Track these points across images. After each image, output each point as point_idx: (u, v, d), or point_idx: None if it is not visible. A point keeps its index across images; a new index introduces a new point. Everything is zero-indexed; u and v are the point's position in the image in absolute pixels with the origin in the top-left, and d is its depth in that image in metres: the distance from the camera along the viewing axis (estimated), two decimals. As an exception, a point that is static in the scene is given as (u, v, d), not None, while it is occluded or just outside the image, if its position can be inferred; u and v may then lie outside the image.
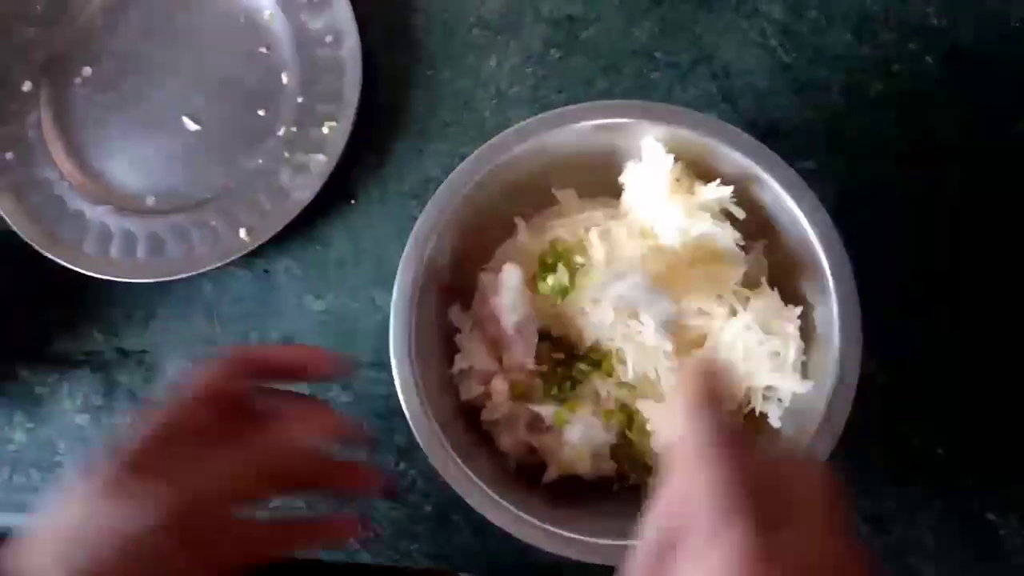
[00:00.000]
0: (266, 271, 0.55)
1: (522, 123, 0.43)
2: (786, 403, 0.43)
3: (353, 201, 0.55)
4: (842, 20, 0.53)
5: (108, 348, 0.56)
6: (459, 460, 0.41)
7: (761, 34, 0.53)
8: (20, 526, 0.51)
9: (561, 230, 0.46)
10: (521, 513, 0.40)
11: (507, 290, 0.43)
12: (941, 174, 0.50)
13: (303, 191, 0.53)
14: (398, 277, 0.43)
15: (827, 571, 0.27)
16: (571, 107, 0.44)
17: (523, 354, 0.44)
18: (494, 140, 0.43)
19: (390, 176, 0.55)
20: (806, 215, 0.41)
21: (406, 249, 0.43)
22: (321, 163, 0.54)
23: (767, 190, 0.42)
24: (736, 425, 0.30)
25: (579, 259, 0.44)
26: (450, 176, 0.43)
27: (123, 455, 0.35)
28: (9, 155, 0.57)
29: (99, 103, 0.59)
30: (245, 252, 0.53)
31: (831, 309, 0.41)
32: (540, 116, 0.43)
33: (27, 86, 0.59)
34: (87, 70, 0.59)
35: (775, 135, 0.52)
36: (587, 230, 0.44)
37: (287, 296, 0.55)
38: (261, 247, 0.53)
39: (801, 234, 0.42)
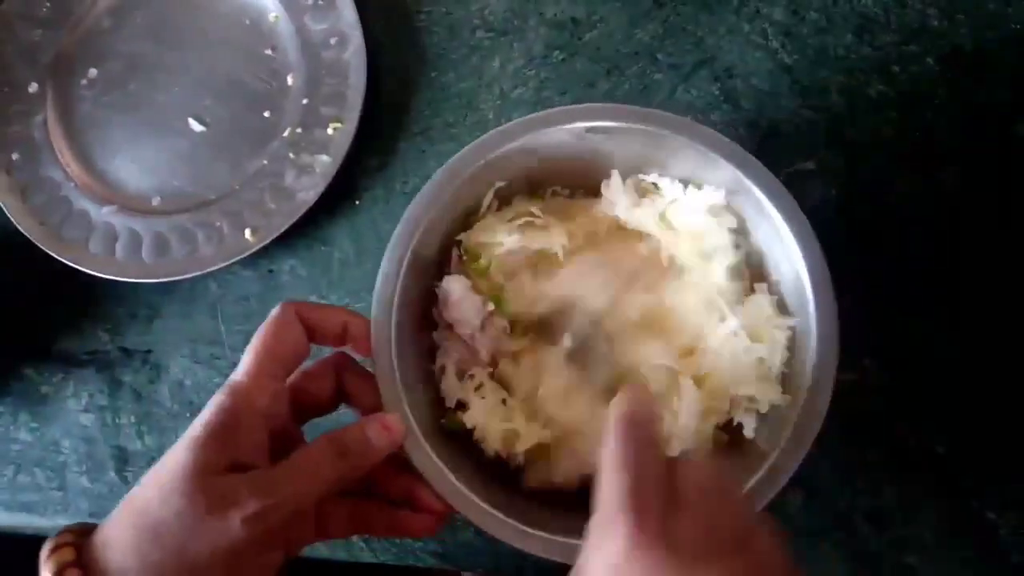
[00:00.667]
0: (271, 271, 0.56)
1: (508, 124, 0.43)
2: (763, 413, 0.42)
3: (357, 202, 0.55)
4: (843, 22, 0.53)
5: (113, 348, 0.56)
6: (434, 455, 0.40)
7: (762, 36, 0.54)
8: (25, 526, 0.52)
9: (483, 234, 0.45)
10: (496, 512, 0.39)
11: (452, 302, 0.44)
12: (941, 175, 0.51)
13: (308, 192, 0.54)
14: (380, 273, 0.42)
15: (720, 544, 0.30)
16: (559, 108, 0.43)
17: (487, 352, 0.44)
18: (482, 139, 0.43)
19: (394, 177, 0.55)
20: (787, 222, 0.41)
21: (391, 241, 0.42)
22: (326, 164, 0.54)
23: (750, 199, 0.42)
24: (649, 434, 0.33)
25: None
26: (437, 172, 0.43)
27: (206, 452, 0.35)
28: (15, 155, 0.58)
29: (105, 104, 0.59)
30: (250, 252, 0.53)
31: (809, 321, 0.40)
32: (528, 117, 0.43)
33: (33, 87, 0.59)
34: (93, 71, 0.59)
35: (776, 136, 0.52)
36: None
37: (291, 296, 0.55)
38: (266, 247, 0.53)
39: (781, 243, 0.41)
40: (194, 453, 0.35)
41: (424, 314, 0.46)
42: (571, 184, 0.48)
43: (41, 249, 0.55)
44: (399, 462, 0.40)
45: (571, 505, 0.43)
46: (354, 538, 0.52)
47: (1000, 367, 0.48)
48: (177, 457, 0.35)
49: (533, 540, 0.39)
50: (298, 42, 0.57)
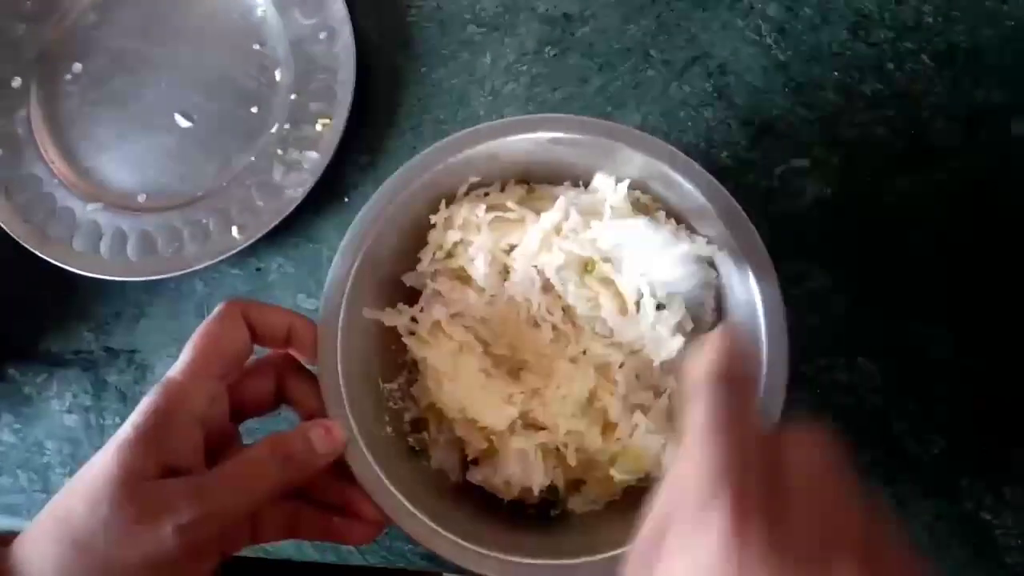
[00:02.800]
0: (258, 269, 0.55)
1: (472, 128, 0.42)
2: None
3: (346, 199, 0.55)
4: (838, 19, 0.53)
5: (98, 347, 0.55)
6: (375, 464, 0.39)
7: (756, 32, 0.53)
8: (8, 529, 0.51)
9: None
10: (433, 524, 0.38)
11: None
12: (936, 174, 0.50)
13: (296, 189, 0.53)
14: (328, 278, 0.41)
15: (837, 543, 0.25)
16: (524, 117, 0.42)
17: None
18: (442, 142, 0.42)
19: (384, 174, 0.54)
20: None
21: (340, 246, 0.41)
22: (314, 160, 0.53)
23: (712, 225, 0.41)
24: (746, 400, 0.28)
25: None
26: (396, 173, 0.42)
27: (136, 456, 0.33)
28: (-2, 152, 0.57)
29: (90, 100, 0.58)
30: (237, 250, 0.52)
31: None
32: (491, 123, 0.42)
33: (17, 82, 0.58)
34: (78, 66, 0.58)
35: (770, 133, 0.51)
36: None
37: (279, 294, 0.54)
38: (253, 245, 0.53)
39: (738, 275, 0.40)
40: (123, 457, 0.33)
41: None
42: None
43: (25, 247, 0.54)
44: (336, 467, 0.39)
45: (516, 521, 0.42)
46: (343, 540, 0.51)
47: (996, 367, 0.48)
48: (105, 461, 0.33)
49: (469, 554, 0.37)
50: (287, 37, 0.56)
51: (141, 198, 0.56)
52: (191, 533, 0.32)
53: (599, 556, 0.37)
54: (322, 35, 0.55)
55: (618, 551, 0.36)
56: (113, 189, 0.56)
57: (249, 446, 0.37)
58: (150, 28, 0.58)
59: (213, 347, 0.37)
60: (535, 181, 0.45)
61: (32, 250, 0.54)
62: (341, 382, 0.39)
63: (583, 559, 0.37)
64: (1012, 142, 0.50)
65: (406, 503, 0.38)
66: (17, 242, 0.54)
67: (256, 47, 0.57)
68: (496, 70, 0.55)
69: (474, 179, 0.43)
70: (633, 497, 0.41)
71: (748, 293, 0.40)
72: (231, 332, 0.37)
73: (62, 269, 0.54)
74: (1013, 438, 0.47)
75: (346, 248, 0.41)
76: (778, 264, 0.49)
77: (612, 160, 0.42)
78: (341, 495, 0.39)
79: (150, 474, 0.33)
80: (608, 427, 0.42)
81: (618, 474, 0.41)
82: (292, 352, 0.41)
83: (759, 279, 0.39)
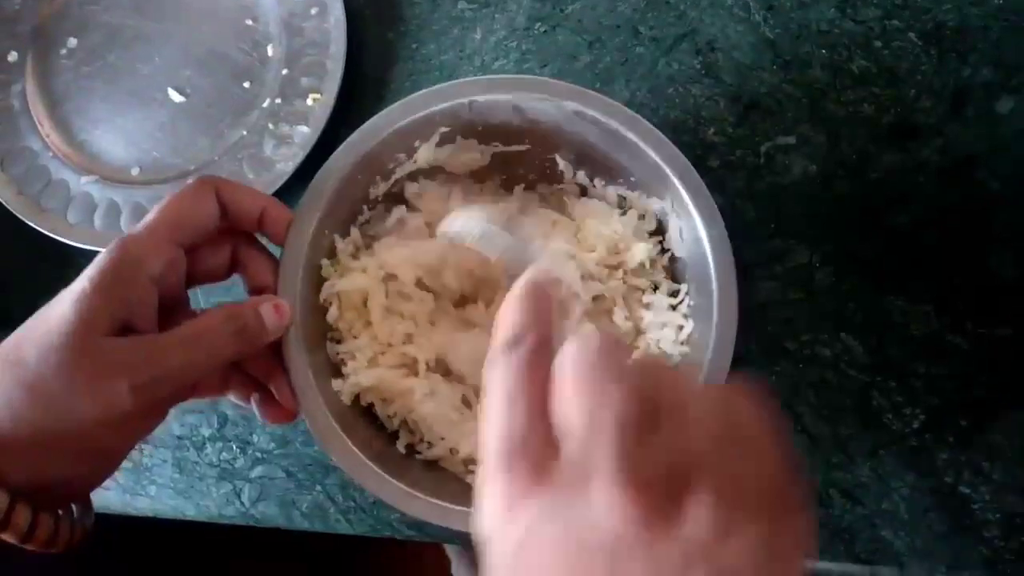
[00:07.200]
0: (249, 242, 0.55)
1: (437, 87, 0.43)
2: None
3: (337, 173, 0.55)
4: (826, -4, 0.53)
5: (92, 318, 0.56)
6: (304, 361, 0.40)
7: (745, 9, 0.53)
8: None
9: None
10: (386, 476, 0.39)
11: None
12: (922, 151, 0.50)
13: (286, 162, 0.53)
14: (321, 171, 0.41)
15: (751, 507, 0.24)
16: (492, 77, 0.43)
17: None
18: (403, 101, 0.43)
19: (374, 149, 0.55)
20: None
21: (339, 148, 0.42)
22: (304, 135, 0.54)
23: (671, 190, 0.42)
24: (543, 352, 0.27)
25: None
26: (354, 134, 0.42)
27: (92, 309, 0.33)
28: (-6, 125, 0.57)
29: (85, 74, 0.59)
30: (228, 223, 0.53)
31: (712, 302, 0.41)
32: (455, 81, 0.43)
33: (13, 56, 0.59)
34: (73, 41, 0.59)
35: (757, 110, 0.52)
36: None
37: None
38: (244, 218, 0.53)
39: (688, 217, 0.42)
40: (79, 308, 0.32)
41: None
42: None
43: (19, 219, 0.55)
44: (268, 345, 0.39)
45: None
46: (331, 510, 0.52)
47: (975, 341, 0.48)
48: (61, 311, 0.33)
49: (366, 472, 0.39)
50: (279, 12, 0.57)
51: (135, 171, 0.56)
52: (146, 393, 0.33)
53: None
54: (314, 10, 0.56)
55: None
56: (107, 162, 0.57)
57: (204, 313, 0.37)
58: (144, 4, 0.59)
59: (178, 214, 0.37)
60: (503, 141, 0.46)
61: (27, 222, 0.55)
62: (300, 273, 0.40)
63: None
64: (997, 120, 0.50)
65: (321, 400, 0.39)
66: (12, 214, 0.55)
67: (249, 22, 0.57)
68: (486, 46, 0.55)
69: (444, 130, 0.44)
70: None
71: (695, 234, 0.41)
72: (200, 204, 0.37)
73: (57, 241, 0.54)
74: (992, 414, 0.47)
75: (349, 143, 0.42)
76: (763, 240, 0.50)
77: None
78: (265, 372, 0.40)
79: (105, 328, 0.33)
80: None
81: None
82: (264, 232, 0.41)
83: (706, 221, 0.41)
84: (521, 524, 0.24)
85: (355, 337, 0.44)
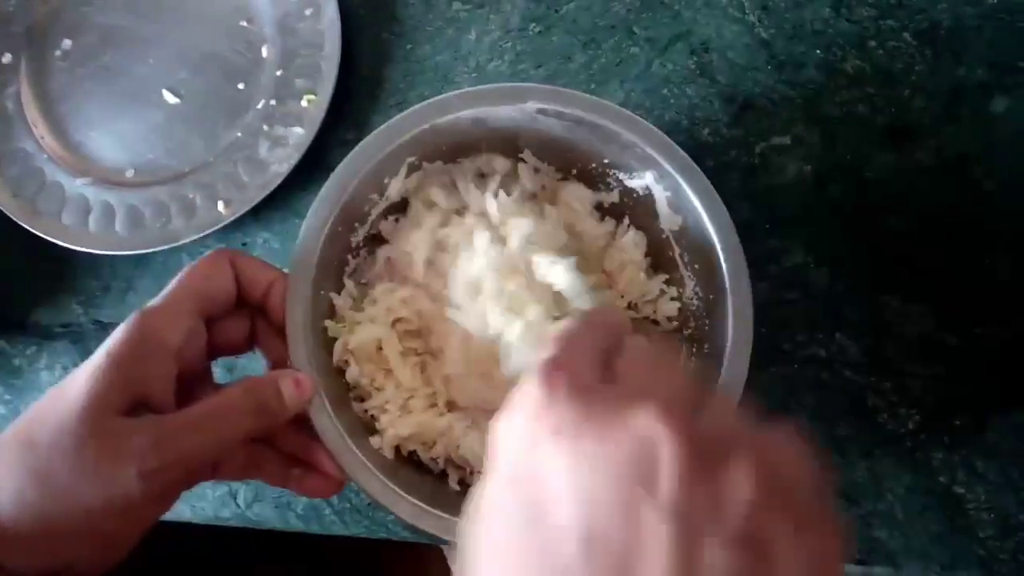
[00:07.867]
0: (244, 244, 0.55)
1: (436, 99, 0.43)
2: None
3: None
4: (821, -4, 0.53)
5: (86, 320, 0.56)
6: (336, 422, 0.39)
7: (740, 10, 0.53)
8: None
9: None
10: (396, 487, 0.39)
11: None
12: (917, 151, 0.50)
13: (281, 164, 0.53)
14: (302, 231, 0.41)
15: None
16: (498, 86, 0.42)
17: None
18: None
19: (369, 150, 0.55)
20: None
21: (319, 196, 0.42)
22: (299, 136, 0.54)
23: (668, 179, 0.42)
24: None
25: None
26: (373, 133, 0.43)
27: (108, 386, 0.32)
28: (-12, 127, 0.57)
29: (79, 76, 0.58)
30: (223, 225, 0.53)
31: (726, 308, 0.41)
32: (463, 91, 0.43)
33: (7, 58, 0.59)
34: (67, 42, 0.59)
35: (752, 110, 0.52)
36: None
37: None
38: (239, 220, 0.53)
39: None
40: (93, 386, 0.32)
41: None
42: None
43: (14, 221, 0.55)
44: (297, 419, 0.39)
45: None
46: (326, 511, 0.52)
47: (970, 341, 0.48)
48: (75, 389, 0.32)
49: (429, 518, 0.38)
50: (273, 13, 0.57)
51: (129, 173, 0.56)
52: (156, 478, 0.32)
53: None
54: (308, 11, 0.56)
55: None
56: (102, 164, 0.57)
57: (221, 389, 0.37)
58: (139, 5, 0.59)
59: (196, 285, 0.36)
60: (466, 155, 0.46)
61: (22, 224, 0.55)
62: (309, 340, 0.40)
63: None
64: (992, 119, 0.50)
65: (363, 459, 0.38)
66: (7, 216, 0.55)
67: (243, 24, 0.57)
68: (481, 47, 0.55)
69: (411, 159, 0.44)
70: None
71: (683, 194, 0.42)
72: (216, 273, 0.37)
73: (51, 243, 0.54)
74: (987, 414, 0.47)
75: (323, 198, 0.42)
76: (758, 241, 0.50)
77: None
78: (301, 446, 0.40)
79: (119, 407, 0.32)
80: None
81: None
82: (263, 306, 0.40)
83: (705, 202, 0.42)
84: (547, 430, 0.24)
85: (379, 389, 0.43)
